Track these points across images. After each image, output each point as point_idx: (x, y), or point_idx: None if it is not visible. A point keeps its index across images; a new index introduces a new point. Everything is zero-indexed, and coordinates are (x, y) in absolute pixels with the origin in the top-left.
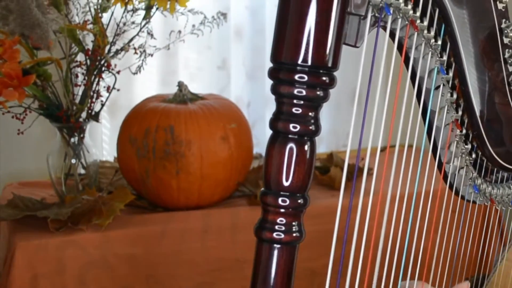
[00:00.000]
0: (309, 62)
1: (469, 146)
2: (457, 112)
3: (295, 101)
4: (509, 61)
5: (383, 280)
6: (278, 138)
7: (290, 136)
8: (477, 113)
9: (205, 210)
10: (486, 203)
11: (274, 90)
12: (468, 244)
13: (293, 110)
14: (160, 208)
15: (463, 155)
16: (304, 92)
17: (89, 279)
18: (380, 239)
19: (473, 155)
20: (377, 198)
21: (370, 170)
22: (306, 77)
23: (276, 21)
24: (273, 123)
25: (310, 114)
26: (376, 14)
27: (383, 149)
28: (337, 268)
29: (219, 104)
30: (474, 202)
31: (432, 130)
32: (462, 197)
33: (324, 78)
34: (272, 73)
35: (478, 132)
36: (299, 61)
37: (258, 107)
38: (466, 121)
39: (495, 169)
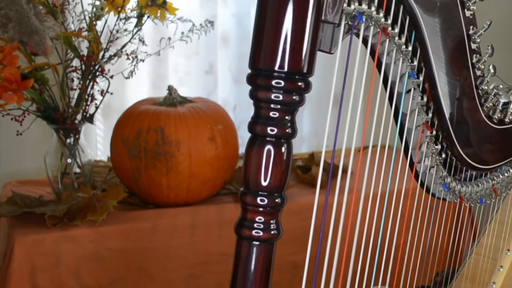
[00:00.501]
0: (286, 69)
1: (439, 146)
2: (427, 114)
3: (272, 105)
4: (477, 66)
5: (357, 273)
6: (257, 140)
7: (267, 138)
8: (447, 115)
9: (193, 207)
10: (455, 200)
11: (252, 95)
12: (439, 240)
13: (271, 114)
14: (151, 205)
15: (434, 155)
16: (280, 97)
17: (84, 271)
18: (355, 234)
19: (443, 155)
20: (353, 196)
21: (346, 169)
22: (282, 83)
23: (254, 29)
24: (251, 127)
25: (286, 117)
26: (350, 22)
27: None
28: (314, 261)
29: (207, 107)
30: (444, 200)
31: (404, 132)
32: (433, 195)
33: (299, 84)
34: (250, 79)
35: (448, 133)
36: (276, 68)
37: (244, 110)
38: (436, 123)
39: (464, 168)
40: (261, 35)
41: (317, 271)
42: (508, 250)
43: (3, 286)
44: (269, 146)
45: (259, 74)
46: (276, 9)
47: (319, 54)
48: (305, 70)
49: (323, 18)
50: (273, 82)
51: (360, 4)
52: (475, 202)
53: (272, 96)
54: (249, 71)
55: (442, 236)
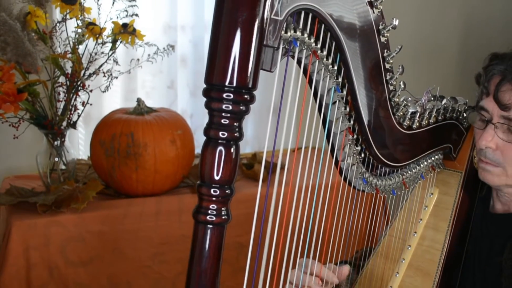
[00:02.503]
0: (234, 84)
1: (359, 148)
2: (349, 121)
3: (223, 114)
4: (390, 82)
5: (292, 251)
6: (210, 142)
7: (219, 141)
8: (365, 122)
9: (158, 197)
10: (372, 192)
11: (207, 105)
12: (359, 224)
13: (222, 121)
14: (123, 195)
15: (355, 155)
16: (230, 107)
17: (69, 250)
18: (291, 219)
19: (362, 155)
20: (289, 188)
21: (283, 166)
22: (232, 96)
23: (208, 52)
24: (206, 131)
25: (235, 124)
26: (286, 46)
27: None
28: (257, 241)
29: (169, 115)
30: (363, 191)
31: (330, 136)
32: (354, 187)
33: (246, 96)
34: (205, 92)
35: (366, 137)
36: (227, 83)
37: (199, 118)
38: (356, 128)
39: (379, 165)
40: (214, 57)
41: (259, 250)
42: (415, 232)
43: (2, 262)
44: (220, 147)
45: (213, 88)
46: (227, 35)
47: (261, 72)
48: (250, 85)
49: (265, 43)
50: (224, 95)
51: (295, 31)
52: (388, 193)
53: (223, 106)
54: (204, 86)
55: (361, 221)
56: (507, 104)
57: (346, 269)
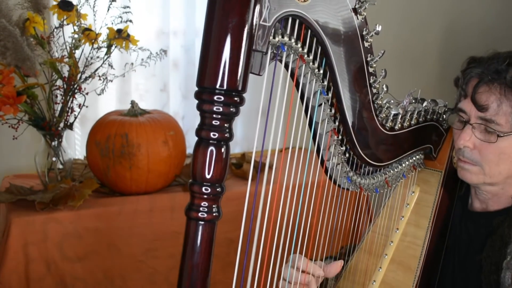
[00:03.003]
0: (225, 87)
1: (343, 148)
2: (334, 123)
3: (214, 115)
4: (373, 85)
5: (280, 246)
6: (202, 143)
7: (210, 141)
8: (350, 124)
9: (151, 195)
10: (356, 190)
11: (198, 107)
12: (343, 220)
13: (213, 122)
14: (117, 193)
15: (339, 155)
16: (221, 109)
17: (66, 246)
18: (278, 216)
19: (347, 155)
20: (276, 186)
21: (271, 165)
22: (222, 98)
23: (200, 56)
24: (198, 132)
25: (225, 125)
26: (274, 51)
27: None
28: (246, 237)
29: (161, 117)
30: (347, 189)
31: (316, 136)
32: (339, 186)
33: (236, 99)
34: (197, 95)
35: (350, 138)
36: (217, 86)
37: (190, 120)
38: (341, 129)
39: (363, 165)
40: (206, 61)
41: (248, 245)
42: (397, 229)
43: (2, 257)
44: (212, 147)
45: (204, 91)
46: (217, 40)
47: (250, 75)
48: (240, 88)
49: (254, 47)
50: (215, 97)
51: (282, 37)
52: (371, 192)
53: (214, 108)
54: (196, 89)
55: (345, 218)
56: (483, 105)
57: (339, 264)
